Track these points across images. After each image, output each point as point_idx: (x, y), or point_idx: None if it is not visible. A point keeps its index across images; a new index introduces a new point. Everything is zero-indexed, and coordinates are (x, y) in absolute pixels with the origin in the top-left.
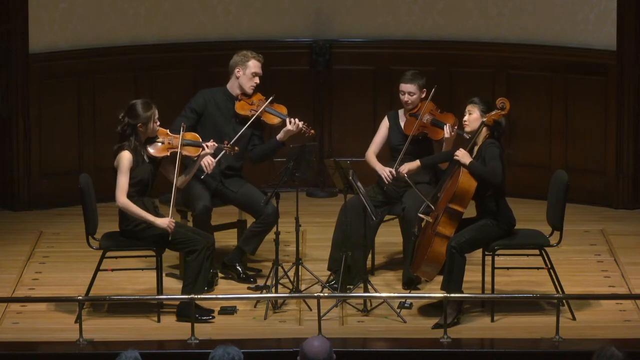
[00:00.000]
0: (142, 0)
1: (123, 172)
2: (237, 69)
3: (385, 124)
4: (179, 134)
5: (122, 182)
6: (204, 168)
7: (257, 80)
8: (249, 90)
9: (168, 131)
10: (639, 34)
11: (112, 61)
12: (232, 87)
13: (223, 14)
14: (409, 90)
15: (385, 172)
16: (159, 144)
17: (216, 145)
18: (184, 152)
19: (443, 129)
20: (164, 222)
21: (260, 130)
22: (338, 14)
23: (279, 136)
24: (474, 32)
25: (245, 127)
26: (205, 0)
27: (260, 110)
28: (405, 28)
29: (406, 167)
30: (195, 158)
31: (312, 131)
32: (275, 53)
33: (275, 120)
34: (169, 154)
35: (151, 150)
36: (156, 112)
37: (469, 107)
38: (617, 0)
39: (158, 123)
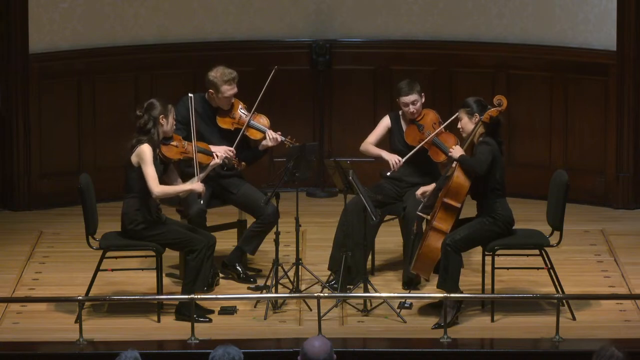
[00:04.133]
0: (142, 0)
1: (148, 163)
2: (211, 91)
3: (386, 124)
4: (191, 141)
5: (151, 172)
6: (225, 158)
7: (232, 100)
8: (226, 108)
9: (181, 137)
10: (639, 34)
11: (112, 61)
12: (210, 99)
13: (223, 14)
14: (412, 100)
15: (394, 158)
16: (174, 147)
17: (225, 155)
18: (197, 159)
19: (444, 153)
20: (199, 186)
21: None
22: (338, 14)
23: (260, 147)
24: (474, 32)
25: (236, 143)
26: (205, 0)
27: (244, 128)
28: (405, 28)
29: (421, 190)
30: (205, 166)
31: (297, 144)
32: (275, 53)
33: (259, 136)
34: (181, 158)
35: (165, 151)
36: (174, 110)
37: (458, 114)
38: (617, 0)
39: (174, 122)
